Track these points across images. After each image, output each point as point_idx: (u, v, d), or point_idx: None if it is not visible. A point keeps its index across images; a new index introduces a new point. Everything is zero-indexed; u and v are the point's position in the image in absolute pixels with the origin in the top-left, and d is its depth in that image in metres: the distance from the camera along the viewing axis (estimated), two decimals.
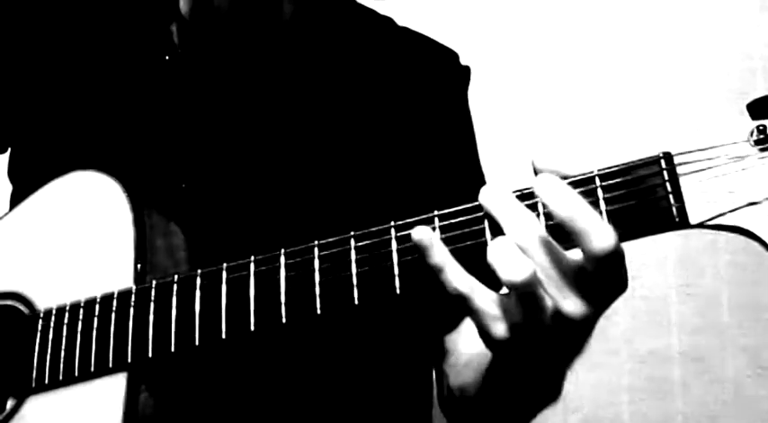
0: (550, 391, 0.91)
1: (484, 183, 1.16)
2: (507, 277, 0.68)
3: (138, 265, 0.92)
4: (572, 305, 0.70)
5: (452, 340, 1.08)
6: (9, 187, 1.17)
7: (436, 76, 1.14)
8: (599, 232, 0.67)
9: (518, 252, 0.68)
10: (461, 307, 0.73)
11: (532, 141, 1.70)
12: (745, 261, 1.70)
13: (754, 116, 0.70)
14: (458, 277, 0.72)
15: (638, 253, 1.63)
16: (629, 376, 1.73)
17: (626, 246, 0.69)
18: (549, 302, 0.70)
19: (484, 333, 0.74)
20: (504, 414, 0.96)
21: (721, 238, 1.69)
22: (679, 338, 1.71)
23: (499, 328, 0.72)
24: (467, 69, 1.18)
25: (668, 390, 1.71)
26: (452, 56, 1.18)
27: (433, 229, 0.76)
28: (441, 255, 0.72)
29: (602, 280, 0.69)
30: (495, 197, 0.71)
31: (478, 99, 1.19)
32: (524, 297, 0.70)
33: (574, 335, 0.74)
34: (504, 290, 0.70)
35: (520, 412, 0.95)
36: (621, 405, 1.72)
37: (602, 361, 1.72)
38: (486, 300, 0.72)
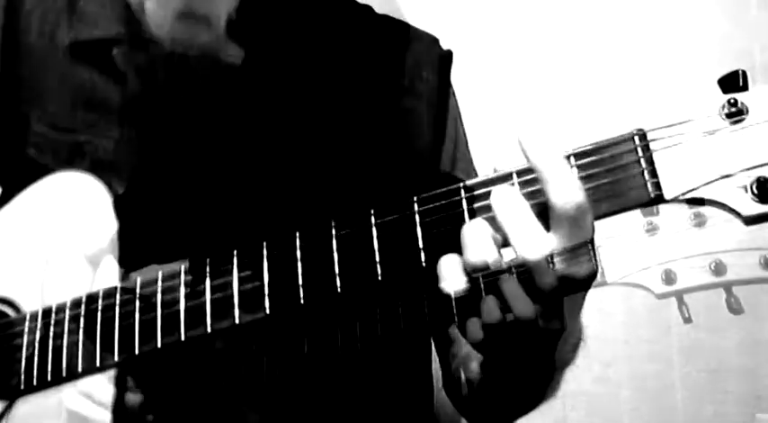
0: (546, 385, 0.93)
1: (473, 166, 1.17)
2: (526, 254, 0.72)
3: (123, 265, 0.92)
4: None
5: (455, 331, 1.07)
6: None
7: (417, 61, 1.14)
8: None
9: (538, 226, 0.72)
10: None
11: (508, 120, 1.70)
12: None
13: (725, 90, 0.70)
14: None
15: None
16: (629, 375, 1.73)
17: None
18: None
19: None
20: (503, 405, 0.98)
21: None
22: (678, 338, 1.72)
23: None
24: (449, 53, 1.18)
25: (668, 387, 1.72)
26: (433, 41, 1.18)
27: (413, 212, 0.76)
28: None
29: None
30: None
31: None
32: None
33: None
34: None
35: (520, 404, 0.97)
36: (620, 404, 1.73)
37: (602, 360, 1.72)
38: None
